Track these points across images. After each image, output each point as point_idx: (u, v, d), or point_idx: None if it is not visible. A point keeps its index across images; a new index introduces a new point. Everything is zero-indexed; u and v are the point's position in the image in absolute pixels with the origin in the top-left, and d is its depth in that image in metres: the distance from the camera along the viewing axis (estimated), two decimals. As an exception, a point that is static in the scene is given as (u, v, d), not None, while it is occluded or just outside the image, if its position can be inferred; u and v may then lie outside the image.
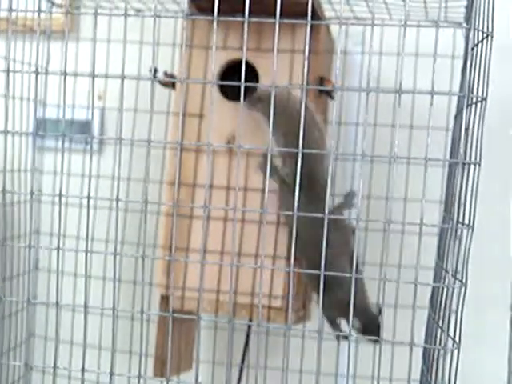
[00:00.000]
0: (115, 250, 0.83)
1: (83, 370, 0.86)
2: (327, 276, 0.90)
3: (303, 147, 0.88)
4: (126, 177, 1.31)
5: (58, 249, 0.86)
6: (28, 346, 1.32)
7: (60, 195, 0.85)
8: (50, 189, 1.36)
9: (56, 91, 1.28)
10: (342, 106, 1.33)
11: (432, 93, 0.85)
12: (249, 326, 1.33)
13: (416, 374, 1.21)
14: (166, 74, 1.30)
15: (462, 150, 0.89)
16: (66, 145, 1.36)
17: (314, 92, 1.29)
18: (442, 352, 0.98)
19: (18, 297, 1.27)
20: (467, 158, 0.90)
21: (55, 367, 0.86)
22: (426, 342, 1.14)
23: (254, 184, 1.25)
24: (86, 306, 0.85)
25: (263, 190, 1.19)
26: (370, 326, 1.18)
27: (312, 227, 0.99)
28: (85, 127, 1.37)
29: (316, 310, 1.26)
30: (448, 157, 1.14)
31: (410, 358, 1.08)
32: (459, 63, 1.13)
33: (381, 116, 1.29)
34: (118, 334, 1.28)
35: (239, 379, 1.33)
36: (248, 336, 1.33)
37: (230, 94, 1.27)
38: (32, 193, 1.14)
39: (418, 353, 1.21)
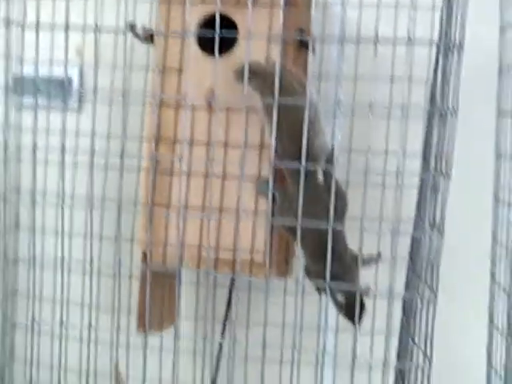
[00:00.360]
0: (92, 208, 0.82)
1: (61, 323, 0.86)
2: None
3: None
4: (106, 134, 1.30)
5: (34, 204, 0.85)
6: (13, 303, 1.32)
7: (34, 148, 0.84)
8: (30, 147, 1.35)
9: (34, 47, 1.26)
10: (322, 60, 1.32)
11: (409, 42, 0.85)
12: (231, 282, 1.34)
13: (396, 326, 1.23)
14: (144, 29, 1.29)
15: (438, 98, 0.88)
16: (45, 102, 1.34)
17: (294, 46, 1.28)
18: (420, 302, 0.99)
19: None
20: (444, 107, 0.90)
21: (33, 323, 0.86)
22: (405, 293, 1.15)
23: (235, 139, 1.24)
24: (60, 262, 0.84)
25: (244, 145, 1.18)
26: (352, 306, 1.12)
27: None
28: (63, 84, 1.35)
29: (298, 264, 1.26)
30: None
31: (389, 309, 1.10)
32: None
33: (362, 69, 1.28)
34: (101, 292, 1.29)
35: (222, 334, 1.34)
36: (231, 291, 1.34)
37: (209, 48, 1.26)
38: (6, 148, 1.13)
39: (399, 304, 1.23)
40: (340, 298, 1.16)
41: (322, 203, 1.13)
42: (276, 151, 1.12)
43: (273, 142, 1.08)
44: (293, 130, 1.14)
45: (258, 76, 1.18)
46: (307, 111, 1.04)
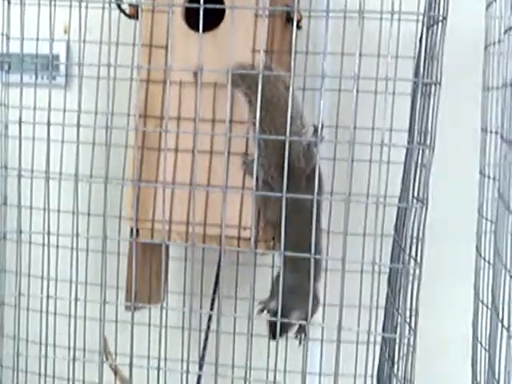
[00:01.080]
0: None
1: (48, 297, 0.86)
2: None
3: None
4: (93, 111, 1.30)
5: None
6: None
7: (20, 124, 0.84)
8: (17, 126, 1.35)
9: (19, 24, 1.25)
10: (309, 35, 1.32)
11: (393, 13, 0.85)
12: (220, 258, 1.34)
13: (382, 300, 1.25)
14: (130, 4, 1.28)
15: (421, 70, 0.89)
16: (32, 80, 1.34)
17: (282, 21, 1.28)
18: (405, 275, 1.00)
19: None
20: (428, 79, 0.91)
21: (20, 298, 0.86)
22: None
23: (222, 115, 1.25)
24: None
25: (230, 121, 1.19)
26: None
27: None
28: (50, 61, 1.35)
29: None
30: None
31: (372, 281, 1.11)
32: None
33: (349, 47, 1.29)
34: (89, 269, 1.30)
35: (211, 309, 1.35)
36: (219, 267, 1.34)
37: (196, 25, 1.25)
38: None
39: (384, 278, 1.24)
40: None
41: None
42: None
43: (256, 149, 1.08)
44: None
45: (246, 81, 1.18)
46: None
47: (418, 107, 0.95)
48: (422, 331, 1.08)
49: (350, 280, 1.13)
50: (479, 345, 1.16)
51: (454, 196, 1.36)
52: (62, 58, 1.40)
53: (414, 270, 0.97)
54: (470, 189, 1.19)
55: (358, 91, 0.90)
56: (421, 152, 0.98)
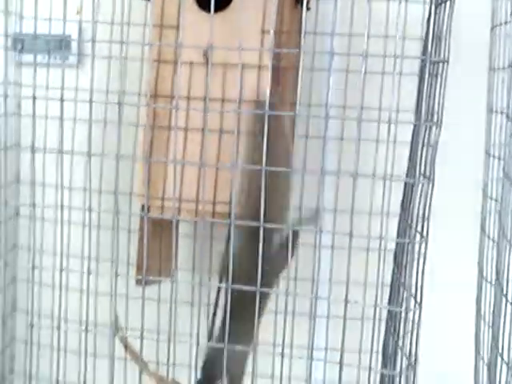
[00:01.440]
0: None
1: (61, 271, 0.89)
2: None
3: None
4: (105, 90, 1.32)
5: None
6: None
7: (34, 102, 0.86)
8: (30, 105, 1.37)
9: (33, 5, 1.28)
10: (317, 17, 1.34)
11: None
12: (229, 234, 1.36)
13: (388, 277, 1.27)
14: (141, -16, 1.30)
15: (429, 48, 0.91)
16: (44, 60, 1.36)
17: (291, 2, 1.30)
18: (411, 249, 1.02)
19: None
20: (436, 56, 0.92)
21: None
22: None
23: (231, 95, 1.26)
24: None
25: (240, 101, 1.20)
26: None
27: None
28: (63, 42, 1.38)
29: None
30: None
31: (379, 257, 1.13)
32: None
33: (356, 27, 1.30)
34: (100, 245, 1.32)
35: (218, 289, 1.37)
36: (227, 243, 1.36)
37: (207, 5, 1.27)
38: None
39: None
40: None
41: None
42: None
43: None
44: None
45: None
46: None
47: (425, 86, 0.96)
48: (426, 307, 1.10)
49: (357, 258, 1.15)
50: (482, 320, 1.18)
51: (460, 175, 1.38)
52: (74, 39, 1.42)
53: (420, 245, 0.99)
54: (476, 168, 1.21)
55: (365, 72, 0.92)
56: (428, 129, 0.99)
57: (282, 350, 1.14)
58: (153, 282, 1.31)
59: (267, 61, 1.22)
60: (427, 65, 0.94)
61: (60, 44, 1.37)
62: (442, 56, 0.95)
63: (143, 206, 1.27)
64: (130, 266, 1.30)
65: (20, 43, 1.32)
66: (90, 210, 1.20)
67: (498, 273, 1.10)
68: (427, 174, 1.00)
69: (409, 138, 1.20)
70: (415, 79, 1.22)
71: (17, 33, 1.32)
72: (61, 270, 1.24)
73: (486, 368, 1.16)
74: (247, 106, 1.24)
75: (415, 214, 1.04)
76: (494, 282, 1.14)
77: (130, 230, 1.31)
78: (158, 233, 1.31)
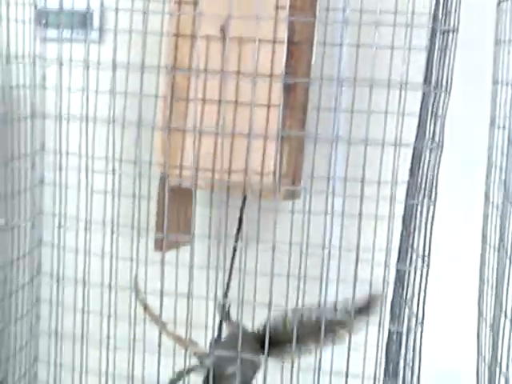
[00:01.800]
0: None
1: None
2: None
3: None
4: (125, 64, 1.37)
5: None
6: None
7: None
8: (53, 79, 1.42)
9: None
10: (329, 5, 1.38)
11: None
12: (243, 203, 1.42)
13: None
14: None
15: (440, 14, 0.95)
16: (67, 34, 1.41)
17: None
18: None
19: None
20: (446, 25, 0.97)
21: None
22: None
23: (246, 68, 1.32)
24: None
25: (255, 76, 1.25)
26: None
27: None
28: (85, 17, 1.43)
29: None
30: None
31: (389, 223, 1.17)
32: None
33: (367, 3, 1.34)
34: (121, 213, 1.37)
35: (233, 254, 1.43)
36: (242, 211, 1.42)
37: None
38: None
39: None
40: None
41: None
42: None
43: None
44: None
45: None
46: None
47: (435, 55, 1.01)
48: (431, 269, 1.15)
49: (367, 226, 1.20)
50: (486, 285, 1.23)
51: (465, 144, 1.43)
52: (96, 15, 1.47)
53: (428, 207, 1.04)
54: (481, 138, 1.25)
55: (376, 48, 0.96)
56: (438, 98, 1.04)
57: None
58: (171, 247, 1.36)
59: (282, 35, 1.27)
60: (437, 34, 0.98)
61: (83, 19, 1.42)
62: (452, 25, 0.99)
63: (161, 176, 1.33)
64: (149, 233, 1.35)
65: (44, 17, 1.38)
66: (113, 170, 1.25)
67: (501, 237, 1.15)
68: (436, 140, 1.05)
69: (417, 108, 1.25)
70: (423, 53, 1.26)
71: (41, 8, 1.37)
72: (85, 229, 1.30)
73: (488, 330, 1.20)
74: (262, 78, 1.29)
75: (424, 178, 1.08)
76: (497, 247, 1.18)
77: (150, 197, 1.36)
78: (177, 200, 1.37)
